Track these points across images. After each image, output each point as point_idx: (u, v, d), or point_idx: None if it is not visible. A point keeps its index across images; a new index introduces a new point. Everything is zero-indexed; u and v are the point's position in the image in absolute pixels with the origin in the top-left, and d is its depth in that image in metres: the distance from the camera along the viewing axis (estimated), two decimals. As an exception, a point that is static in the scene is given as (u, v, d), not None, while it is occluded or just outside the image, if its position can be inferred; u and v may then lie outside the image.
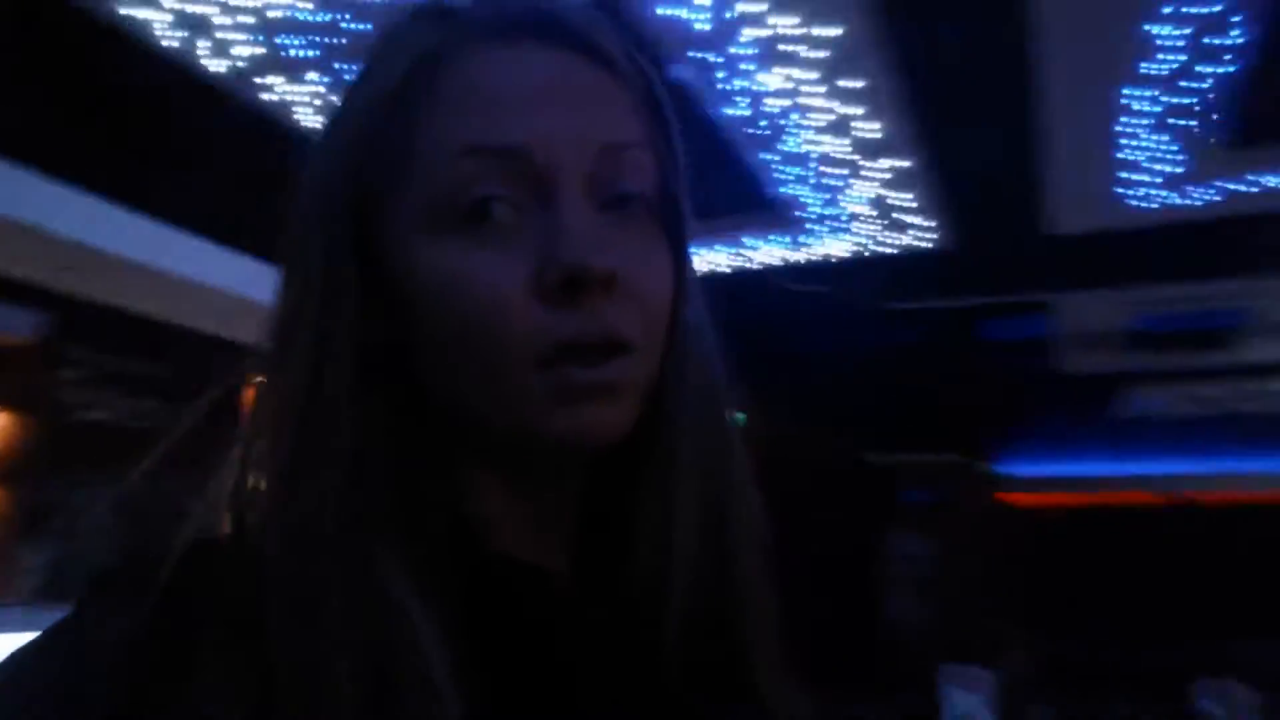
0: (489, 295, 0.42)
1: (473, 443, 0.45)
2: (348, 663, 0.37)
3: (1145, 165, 3.65)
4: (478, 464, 0.46)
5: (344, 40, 2.77)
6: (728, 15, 2.81)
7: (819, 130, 3.51)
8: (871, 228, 4.41)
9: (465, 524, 0.45)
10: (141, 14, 2.63)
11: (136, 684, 0.36)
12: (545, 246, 0.42)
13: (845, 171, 3.85)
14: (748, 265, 4.81)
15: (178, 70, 2.82)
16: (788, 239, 4.59)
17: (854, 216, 4.30)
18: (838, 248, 4.65)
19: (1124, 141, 3.48)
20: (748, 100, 3.33)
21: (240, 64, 2.90)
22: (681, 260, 0.48)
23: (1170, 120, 3.33)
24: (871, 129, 3.46)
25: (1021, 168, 3.72)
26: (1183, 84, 3.09)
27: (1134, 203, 3.95)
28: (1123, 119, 3.32)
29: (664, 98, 0.49)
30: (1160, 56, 2.95)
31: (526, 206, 0.43)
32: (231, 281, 3.15)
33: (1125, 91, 3.15)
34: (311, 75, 3.00)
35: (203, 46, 2.80)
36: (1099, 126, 3.41)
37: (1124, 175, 3.71)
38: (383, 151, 0.44)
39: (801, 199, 4.13)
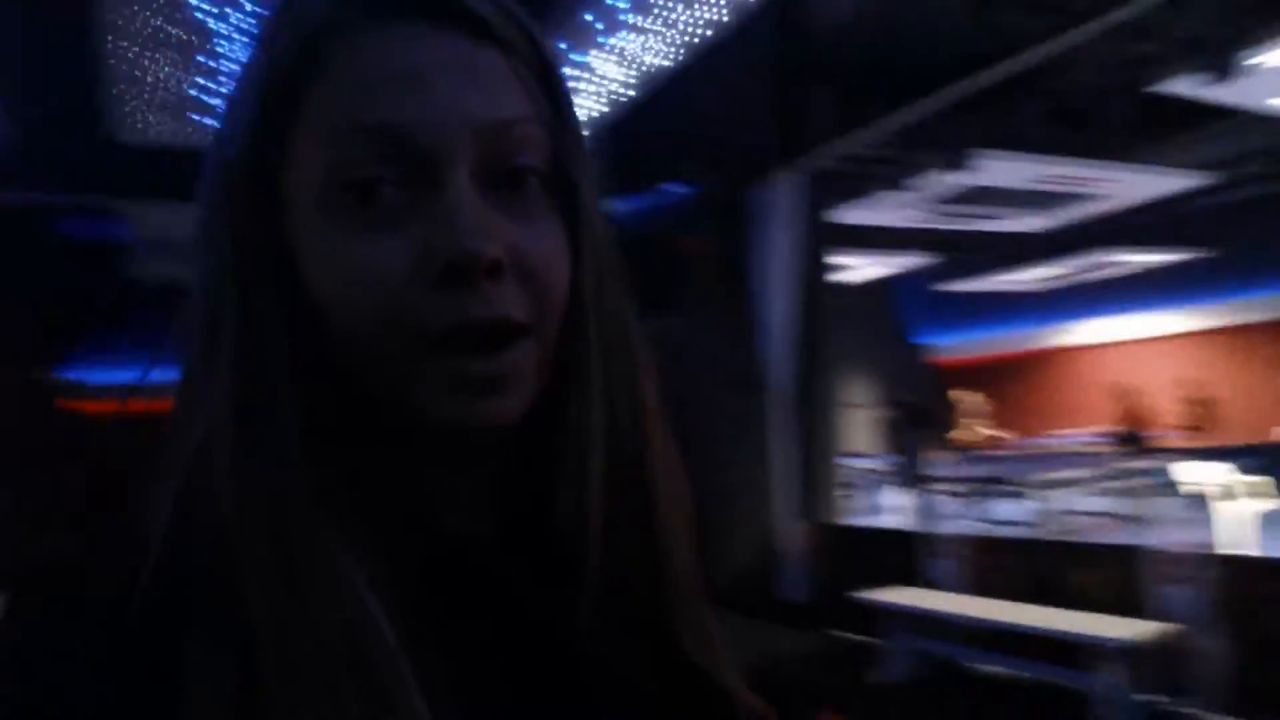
0: (374, 280, 0.41)
1: (385, 423, 0.44)
2: (319, 643, 0.38)
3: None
4: (396, 441, 0.45)
5: None
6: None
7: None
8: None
9: (399, 498, 0.45)
10: None
11: (123, 679, 0.37)
12: (430, 231, 0.42)
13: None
14: None
15: None
16: None
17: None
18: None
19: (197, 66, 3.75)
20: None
21: None
22: (579, 233, 0.47)
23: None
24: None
25: (87, 79, 3.91)
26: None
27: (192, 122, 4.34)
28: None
29: (556, 69, 0.48)
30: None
31: (413, 188, 0.42)
32: None
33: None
34: None
35: None
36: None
37: (195, 97, 4.05)
38: (273, 133, 0.44)
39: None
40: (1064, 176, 8.01)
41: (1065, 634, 4.29)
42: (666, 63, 5.34)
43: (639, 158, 6.71)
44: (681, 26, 4.87)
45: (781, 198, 6.64)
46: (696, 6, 4.66)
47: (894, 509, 8.33)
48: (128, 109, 3.85)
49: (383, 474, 0.45)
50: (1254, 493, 7.33)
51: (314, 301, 0.43)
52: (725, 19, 4.96)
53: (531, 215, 0.45)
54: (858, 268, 11.31)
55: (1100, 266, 12.69)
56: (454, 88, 0.43)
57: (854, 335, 10.77)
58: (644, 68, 5.31)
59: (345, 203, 0.42)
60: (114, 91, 3.70)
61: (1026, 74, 5.93)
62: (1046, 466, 9.52)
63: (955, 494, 8.14)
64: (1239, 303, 13.37)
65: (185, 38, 3.20)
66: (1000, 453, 11.59)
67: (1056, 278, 13.21)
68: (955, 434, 11.55)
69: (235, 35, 3.23)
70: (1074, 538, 6.89)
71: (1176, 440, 11.16)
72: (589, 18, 4.18)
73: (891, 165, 7.50)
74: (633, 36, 4.94)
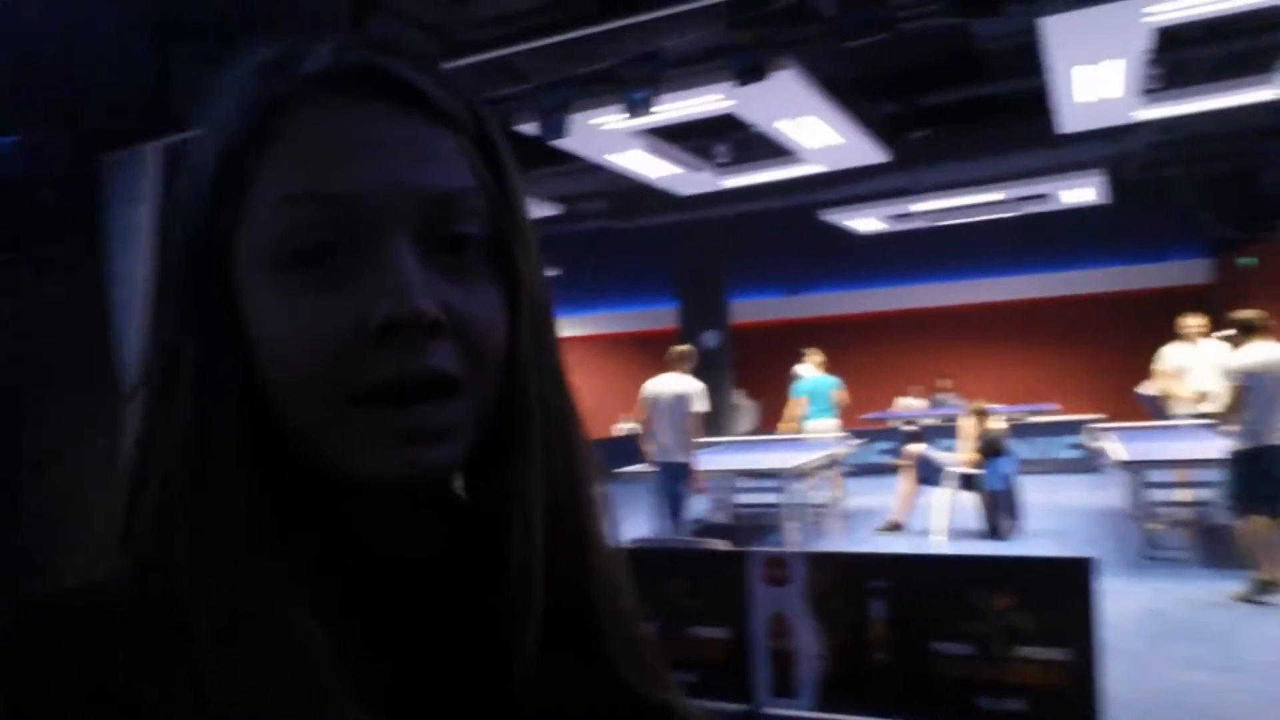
0: (316, 337, 0.44)
1: (326, 473, 0.47)
2: (270, 686, 0.40)
3: None
4: (339, 487, 0.47)
5: None
6: None
7: None
8: None
9: (344, 538, 0.48)
10: None
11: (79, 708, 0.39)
12: (370, 292, 0.44)
13: None
14: None
15: None
16: None
17: None
18: None
19: None
20: None
21: None
22: (518, 297, 0.50)
23: None
24: None
25: None
26: None
27: None
28: None
29: (499, 145, 0.51)
30: None
31: (359, 252, 0.45)
32: None
33: None
34: None
35: None
36: None
37: None
38: (227, 200, 0.46)
39: None
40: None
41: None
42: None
43: None
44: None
45: (149, 166, 5.93)
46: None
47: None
48: None
49: (328, 516, 0.48)
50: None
51: (261, 360, 0.45)
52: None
53: (470, 279, 0.48)
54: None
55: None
56: (400, 160, 0.46)
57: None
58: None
59: (294, 266, 0.44)
60: None
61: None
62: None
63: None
64: (583, 317, 15.92)
65: None
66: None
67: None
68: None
69: None
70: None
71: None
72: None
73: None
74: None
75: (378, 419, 0.44)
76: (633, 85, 5.23)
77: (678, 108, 6.38)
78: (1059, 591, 3.75)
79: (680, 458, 6.96)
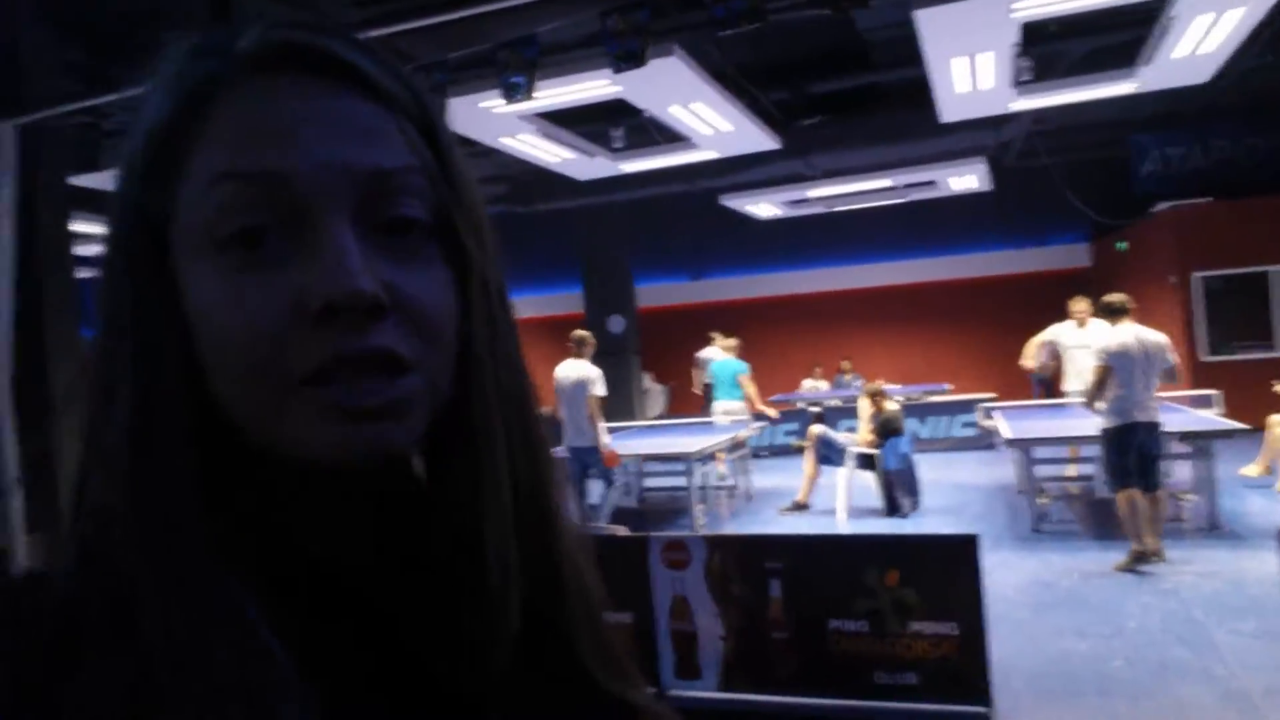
0: (252, 321, 0.43)
1: (272, 463, 0.45)
2: (217, 679, 0.39)
3: None
4: (288, 479, 0.46)
5: None
6: None
7: None
8: None
9: (294, 534, 0.47)
10: None
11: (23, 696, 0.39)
12: (309, 273, 0.43)
13: None
14: None
15: None
16: None
17: None
18: None
19: None
20: None
21: None
22: (468, 280, 0.49)
23: None
24: None
25: None
26: None
27: None
28: None
29: (440, 124, 0.50)
30: None
31: (295, 233, 0.44)
32: None
33: None
34: None
35: None
36: None
37: None
38: (161, 184, 0.45)
39: None
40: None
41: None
42: None
43: None
44: None
45: (3, 146, 5.55)
46: None
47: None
48: None
49: (277, 511, 0.47)
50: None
51: (200, 346, 0.44)
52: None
53: (416, 261, 0.46)
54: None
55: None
56: (335, 138, 0.44)
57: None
58: None
59: (229, 249, 0.43)
60: None
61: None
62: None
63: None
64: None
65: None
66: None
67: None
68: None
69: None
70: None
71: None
72: None
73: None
74: None
75: (320, 397, 0.43)
76: (509, 70, 5.13)
77: (565, 92, 6.32)
78: (947, 568, 3.86)
79: (585, 442, 6.99)
